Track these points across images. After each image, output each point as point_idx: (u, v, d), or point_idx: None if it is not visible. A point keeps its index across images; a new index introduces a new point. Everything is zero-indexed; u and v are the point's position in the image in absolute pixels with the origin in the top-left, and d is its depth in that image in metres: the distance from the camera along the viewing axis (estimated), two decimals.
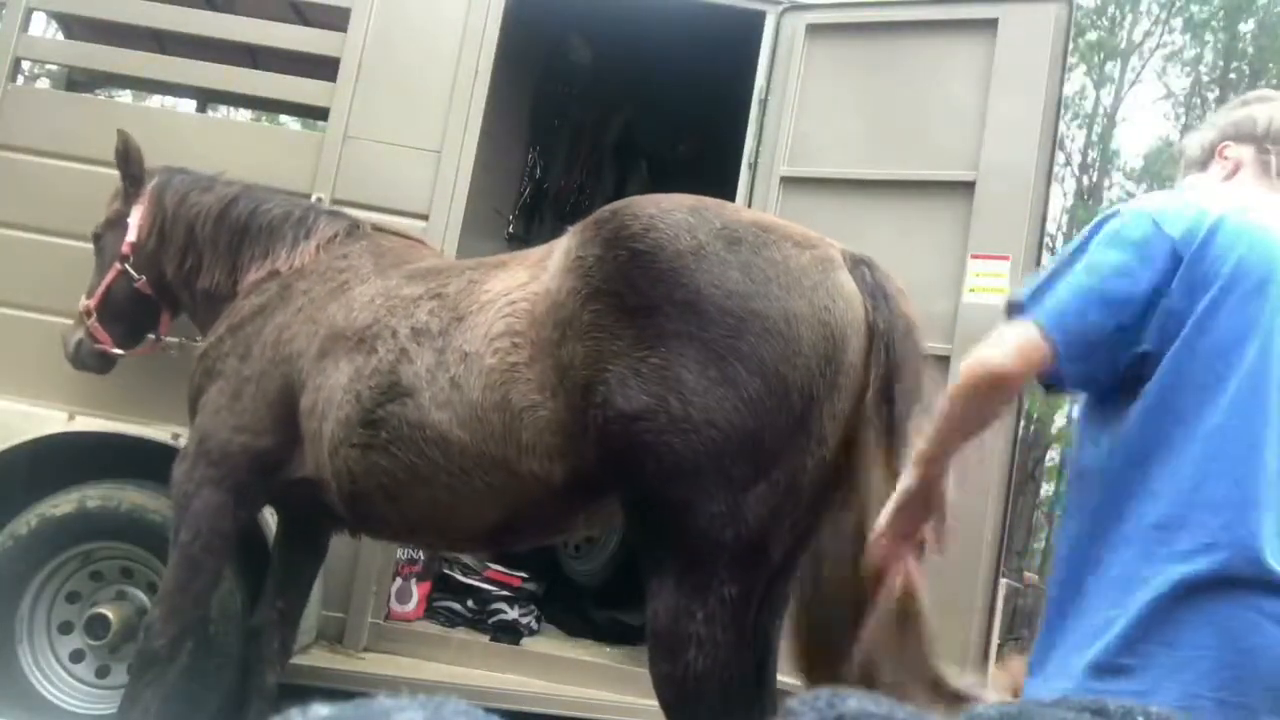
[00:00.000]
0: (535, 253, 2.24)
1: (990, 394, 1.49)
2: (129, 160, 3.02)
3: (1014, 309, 1.52)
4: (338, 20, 3.70)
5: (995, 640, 3.32)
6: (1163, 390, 1.40)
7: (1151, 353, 1.40)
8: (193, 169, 3.08)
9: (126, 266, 2.97)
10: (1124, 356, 1.43)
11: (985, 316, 3.08)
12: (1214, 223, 1.40)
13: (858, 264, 1.96)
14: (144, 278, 2.98)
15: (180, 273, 2.91)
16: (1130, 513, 1.40)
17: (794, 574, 2.16)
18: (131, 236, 2.96)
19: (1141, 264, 1.40)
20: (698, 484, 1.80)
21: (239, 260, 2.78)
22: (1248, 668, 1.27)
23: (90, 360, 3.07)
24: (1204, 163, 1.68)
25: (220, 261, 2.82)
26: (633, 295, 1.89)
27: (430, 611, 3.80)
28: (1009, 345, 1.46)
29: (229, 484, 2.49)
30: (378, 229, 2.82)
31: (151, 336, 3.19)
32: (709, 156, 4.90)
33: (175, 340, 3.24)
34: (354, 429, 2.23)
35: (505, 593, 3.92)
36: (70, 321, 3.12)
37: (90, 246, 3.14)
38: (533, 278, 2.10)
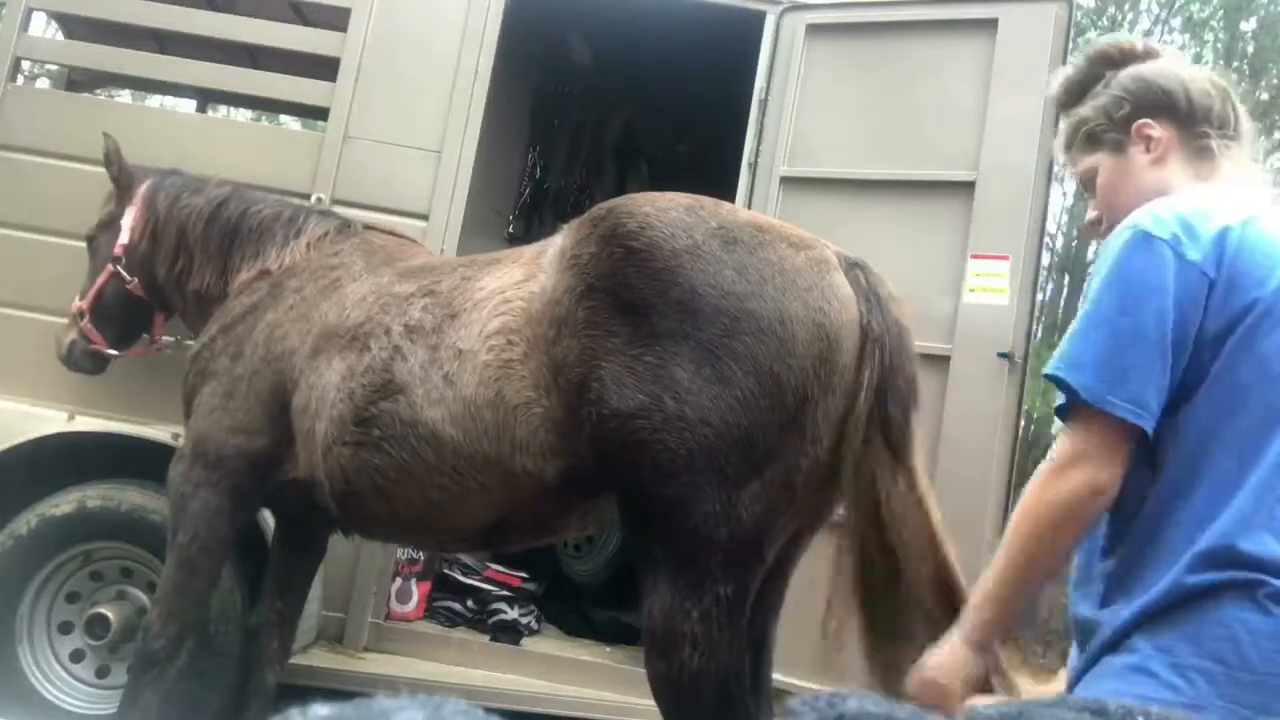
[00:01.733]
0: (529, 250, 2.23)
1: (1085, 507, 1.29)
2: (116, 164, 3.04)
3: (1068, 392, 1.31)
4: (338, 20, 3.70)
5: None
6: (1211, 418, 1.28)
7: (1188, 379, 1.28)
8: (185, 171, 3.08)
9: (119, 268, 2.99)
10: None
11: (985, 316, 3.09)
12: (1238, 237, 1.27)
13: (852, 267, 1.96)
14: (136, 279, 2.99)
15: (171, 274, 2.92)
16: (1175, 541, 1.30)
17: (790, 573, 2.17)
18: (124, 238, 2.97)
19: (1176, 302, 1.25)
20: (692, 482, 1.80)
21: (230, 261, 2.79)
22: None
23: (84, 361, 3.08)
24: (1114, 141, 1.48)
25: (211, 263, 2.83)
26: (627, 293, 1.89)
27: (430, 611, 3.80)
28: (1095, 453, 1.27)
29: (226, 485, 2.49)
30: (369, 227, 2.82)
31: (145, 337, 3.19)
32: (709, 156, 4.90)
33: (170, 340, 3.24)
34: (347, 427, 2.22)
35: (505, 593, 3.92)
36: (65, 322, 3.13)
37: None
38: (528, 275, 2.10)
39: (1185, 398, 1.28)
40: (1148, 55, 1.51)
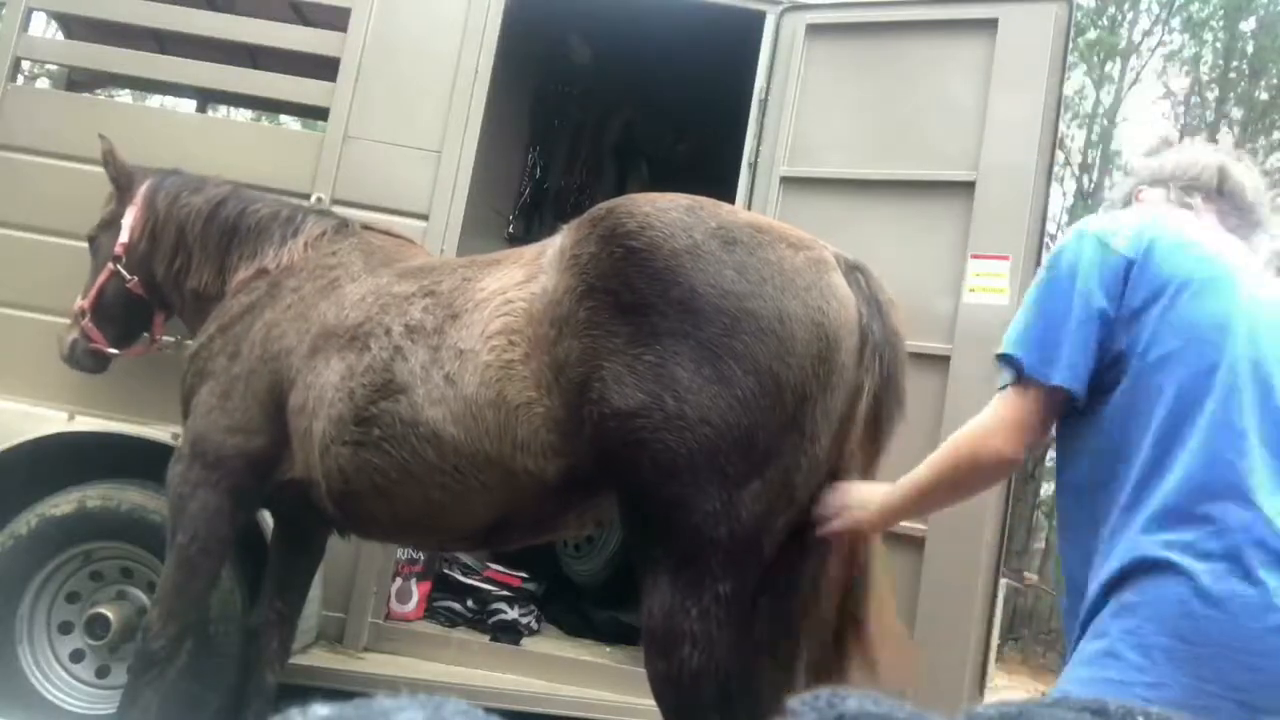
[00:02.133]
0: (529, 250, 2.23)
1: (995, 474, 1.66)
2: (113, 165, 3.06)
3: (1008, 364, 1.57)
4: (338, 20, 3.70)
5: (995, 640, 3.32)
6: (1134, 388, 1.47)
7: (1124, 352, 1.48)
8: (185, 171, 3.09)
9: (119, 267, 2.99)
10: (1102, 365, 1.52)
11: (985, 316, 3.08)
12: (1155, 233, 1.51)
13: (852, 269, 1.98)
14: (136, 278, 3.00)
15: (170, 272, 2.93)
16: (1124, 513, 1.43)
17: (795, 574, 2.16)
18: (124, 237, 2.98)
19: (1101, 282, 1.49)
20: (692, 481, 1.81)
21: (228, 260, 2.80)
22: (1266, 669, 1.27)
23: (85, 360, 3.09)
24: (1125, 205, 1.81)
25: (209, 261, 2.84)
26: (628, 293, 1.90)
27: (430, 611, 3.80)
28: (1026, 421, 1.55)
29: (225, 485, 2.48)
30: (367, 227, 2.82)
31: (146, 336, 3.20)
32: (709, 156, 4.90)
33: (171, 339, 3.24)
34: (346, 427, 2.22)
35: (505, 593, 3.92)
36: (67, 321, 3.13)
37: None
38: (529, 276, 2.10)
39: (1116, 376, 1.48)
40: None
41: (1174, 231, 1.52)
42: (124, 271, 2.99)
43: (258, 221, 2.79)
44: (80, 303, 3.06)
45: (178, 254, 2.90)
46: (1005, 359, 1.55)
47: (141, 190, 3.01)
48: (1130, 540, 1.39)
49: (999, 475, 1.69)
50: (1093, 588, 1.44)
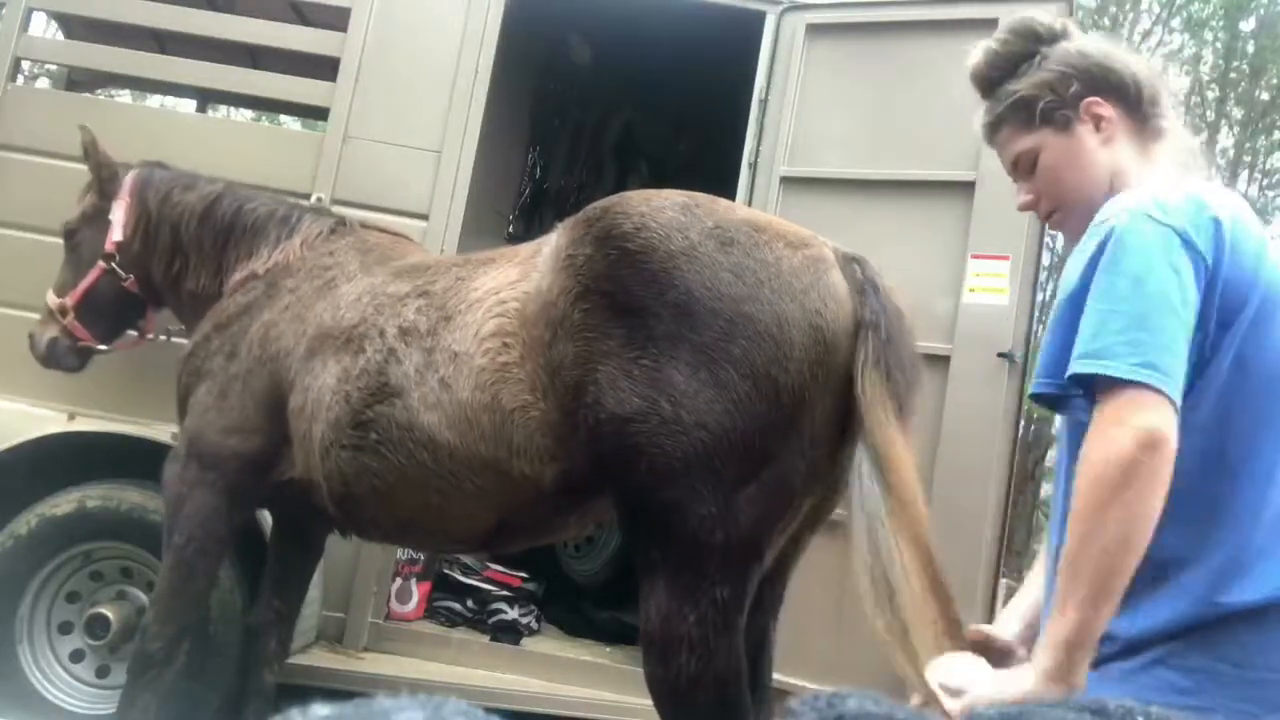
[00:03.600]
0: (524, 249, 2.21)
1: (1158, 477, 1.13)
2: (94, 157, 2.99)
3: (1087, 383, 1.22)
4: (338, 20, 3.69)
5: None
6: (1220, 410, 1.23)
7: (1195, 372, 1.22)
8: (171, 165, 3.05)
9: (113, 265, 2.94)
10: None
11: (985, 316, 3.08)
12: (1230, 232, 1.23)
13: (849, 261, 1.94)
14: (132, 277, 2.95)
15: (169, 275, 2.89)
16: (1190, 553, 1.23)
17: (789, 575, 2.16)
18: (117, 235, 2.92)
19: (1182, 277, 1.19)
20: (688, 486, 1.79)
21: (224, 260, 2.77)
22: None
23: (67, 358, 3.03)
24: (1064, 119, 1.42)
25: (206, 263, 2.81)
26: (623, 295, 1.88)
27: (430, 611, 3.80)
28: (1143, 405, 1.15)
29: (222, 485, 2.48)
30: (364, 225, 2.80)
31: (133, 333, 3.17)
32: (709, 156, 4.90)
33: (163, 334, 3.22)
34: (344, 430, 2.21)
35: (505, 593, 3.92)
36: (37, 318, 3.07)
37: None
38: (523, 275, 2.08)
39: (1193, 405, 1.21)
40: (1067, 34, 1.49)
41: (1244, 233, 1.25)
42: (119, 270, 2.95)
43: (254, 221, 2.77)
44: (59, 300, 2.98)
45: (174, 257, 2.87)
46: (1087, 380, 1.21)
47: (127, 184, 2.96)
48: (1201, 591, 1.19)
49: (1162, 455, 1.13)
50: (1141, 625, 1.22)
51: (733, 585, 1.82)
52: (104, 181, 3.00)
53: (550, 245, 2.08)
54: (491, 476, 2.06)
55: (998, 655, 1.40)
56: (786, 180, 3.44)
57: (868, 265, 1.95)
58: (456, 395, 2.06)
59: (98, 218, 2.99)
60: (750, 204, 3.43)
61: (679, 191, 2.04)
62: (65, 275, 3.05)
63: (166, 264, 2.89)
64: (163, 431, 3.12)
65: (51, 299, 3.02)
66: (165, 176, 2.98)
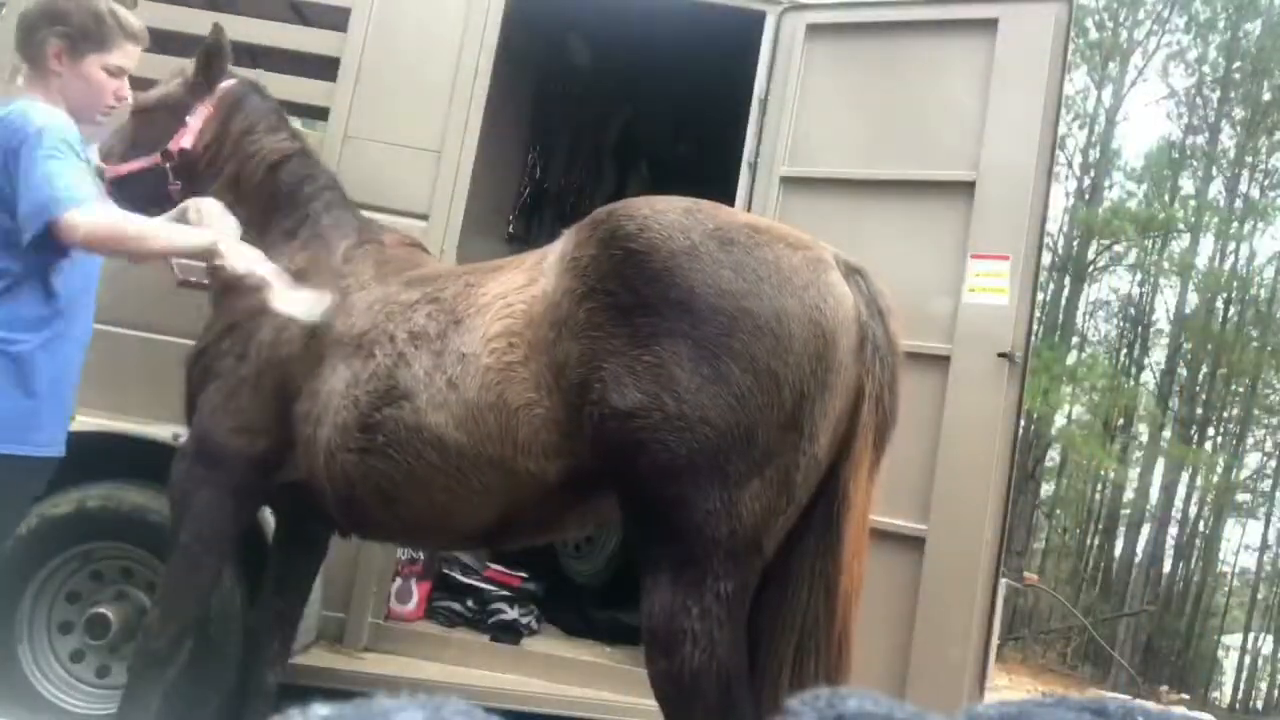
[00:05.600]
0: (531, 256, 2.25)
1: None
2: (215, 61, 2.77)
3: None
4: (338, 20, 3.70)
5: (995, 640, 3.32)
6: None
7: None
8: (266, 91, 2.89)
9: (168, 167, 2.74)
10: None
11: (985, 317, 3.09)
12: None
13: (852, 272, 2.00)
14: (180, 184, 2.74)
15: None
16: None
17: (794, 573, 2.16)
18: (187, 142, 2.73)
19: None
20: (692, 481, 1.82)
21: (269, 222, 2.66)
22: None
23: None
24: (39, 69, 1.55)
25: (253, 216, 2.65)
26: (627, 294, 1.91)
27: (430, 611, 3.80)
28: None
29: (228, 485, 2.48)
30: (387, 231, 2.73)
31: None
32: (709, 156, 4.91)
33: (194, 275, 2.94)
34: (351, 434, 2.23)
35: (505, 593, 3.92)
36: None
37: None
38: (529, 280, 2.13)
39: None
40: None
41: None
42: (171, 174, 2.74)
43: (308, 203, 2.68)
44: (101, 165, 2.71)
45: (229, 193, 2.69)
46: None
47: (218, 93, 2.78)
48: None
49: None
50: None
51: (736, 580, 1.85)
52: (202, 84, 2.77)
53: (556, 250, 2.13)
54: (498, 474, 2.09)
55: None
56: (786, 180, 3.44)
57: (871, 280, 2.01)
58: (464, 395, 2.09)
59: (176, 109, 2.79)
60: (750, 204, 3.44)
61: (682, 198, 2.09)
62: (115, 143, 2.84)
63: (219, 195, 2.67)
64: (164, 431, 3.12)
65: (94, 154, 2.73)
66: (258, 107, 2.81)
